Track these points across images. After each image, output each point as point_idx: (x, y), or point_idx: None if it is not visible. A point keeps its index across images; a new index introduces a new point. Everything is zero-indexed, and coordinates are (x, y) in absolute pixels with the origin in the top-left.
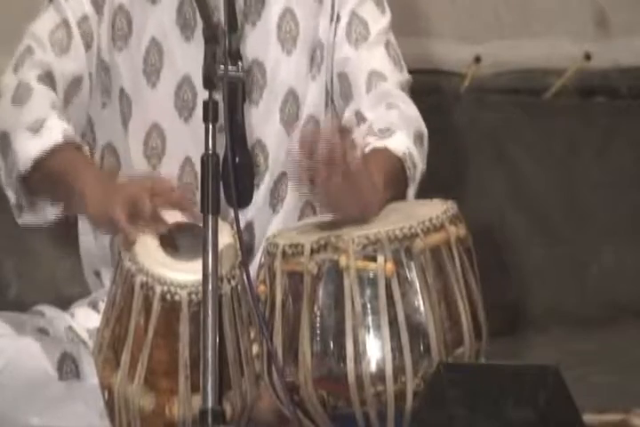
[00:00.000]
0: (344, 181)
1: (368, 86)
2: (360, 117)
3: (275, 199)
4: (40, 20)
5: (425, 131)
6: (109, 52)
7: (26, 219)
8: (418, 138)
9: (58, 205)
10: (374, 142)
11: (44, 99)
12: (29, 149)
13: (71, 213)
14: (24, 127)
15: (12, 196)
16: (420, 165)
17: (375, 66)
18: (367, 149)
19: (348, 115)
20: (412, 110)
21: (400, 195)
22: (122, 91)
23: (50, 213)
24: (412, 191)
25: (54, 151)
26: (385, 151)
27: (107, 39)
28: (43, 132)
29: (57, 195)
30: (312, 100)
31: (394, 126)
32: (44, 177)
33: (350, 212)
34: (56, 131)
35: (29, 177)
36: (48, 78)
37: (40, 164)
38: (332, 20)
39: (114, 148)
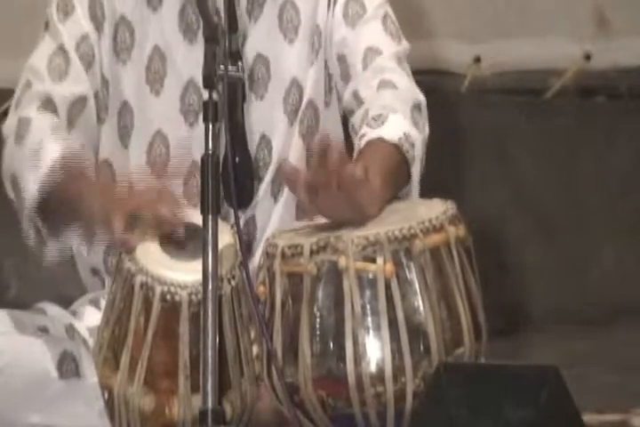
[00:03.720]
0: (338, 191)
1: (364, 64)
2: (357, 98)
3: (276, 188)
4: (37, 52)
5: (422, 98)
6: (111, 66)
7: (52, 251)
8: (415, 108)
9: (75, 227)
10: (369, 134)
11: (42, 124)
12: (30, 184)
13: (88, 230)
14: (27, 163)
15: (32, 235)
16: (420, 142)
17: (371, 42)
18: (362, 142)
19: (347, 97)
20: (405, 82)
21: (403, 182)
22: (125, 104)
23: (71, 237)
24: (415, 170)
25: (50, 176)
26: (380, 141)
27: (108, 54)
28: (39, 160)
29: (69, 216)
30: (311, 84)
31: (387, 110)
32: (51, 205)
33: (347, 218)
34: (46, 156)
35: (41, 210)
36: (48, 105)
37: (43, 194)
38: (329, 3)
39: (110, 163)
